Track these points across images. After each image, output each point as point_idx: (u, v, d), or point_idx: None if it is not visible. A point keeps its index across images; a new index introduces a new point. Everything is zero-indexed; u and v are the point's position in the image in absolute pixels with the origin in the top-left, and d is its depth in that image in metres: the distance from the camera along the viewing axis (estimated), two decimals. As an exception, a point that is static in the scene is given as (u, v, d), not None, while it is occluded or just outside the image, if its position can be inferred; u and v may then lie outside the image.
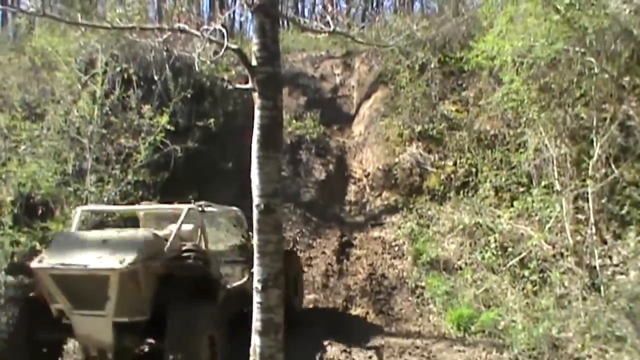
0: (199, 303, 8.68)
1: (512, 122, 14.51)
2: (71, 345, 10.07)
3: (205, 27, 7.21)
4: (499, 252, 12.33)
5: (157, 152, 15.61)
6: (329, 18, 8.16)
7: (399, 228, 15.39)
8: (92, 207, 12.18)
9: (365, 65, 21.19)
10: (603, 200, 11.50)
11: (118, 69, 15.93)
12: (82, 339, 8.80)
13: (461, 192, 14.77)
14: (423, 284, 13.16)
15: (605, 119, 11.50)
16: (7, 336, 8.77)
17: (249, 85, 6.95)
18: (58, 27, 16.78)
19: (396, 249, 14.88)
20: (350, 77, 21.89)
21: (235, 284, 10.26)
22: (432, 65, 17.73)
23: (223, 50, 7.04)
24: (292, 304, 11.45)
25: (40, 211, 14.84)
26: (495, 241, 12.55)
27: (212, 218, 10.77)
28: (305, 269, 14.18)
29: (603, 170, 11.40)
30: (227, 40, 6.89)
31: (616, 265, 11.05)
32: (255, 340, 6.83)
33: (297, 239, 15.86)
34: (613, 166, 11.40)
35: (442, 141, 16.37)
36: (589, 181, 11.21)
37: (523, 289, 11.44)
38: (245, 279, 10.43)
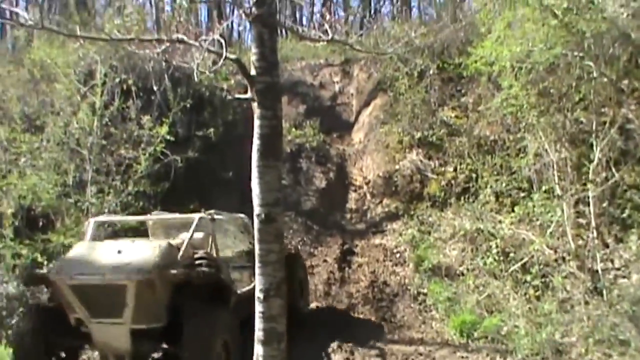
0: (212, 309, 9.09)
1: (511, 127, 14.49)
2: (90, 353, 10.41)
3: (204, 37, 7.22)
4: (501, 258, 12.31)
5: (157, 162, 15.63)
6: (327, 26, 8.15)
7: (400, 235, 15.37)
8: (104, 217, 12.26)
9: (364, 73, 21.19)
10: (604, 204, 11.50)
11: (117, 79, 15.97)
12: (101, 346, 9.13)
13: (462, 198, 14.75)
14: (425, 290, 13.15)
15: (604, 122, 11.50)
16: (25, 344, 9.30)
17: (248, 95, 6.96)
18: (57, 39, 16.82)
19: (398, 256, 14.86)
20: (349, 84, 21.88)
21: (245, 289, 10.43)
22: (431, 72, 17.73)
23: (222, 60, 7.05)
24: (297, 306, 11.85)
25: (41, 223, 14.81)
26: (497, 246, 12.53)
27: (220, 225, 10.91)
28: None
29: (603, 174, 11.39)
30: (226, 50, 6.89)
31: (618, 269, 11.04)
32: (258, 350, 6.82)
33: (299, 247, 15.82)
34: (613, 170, 11.40)
35: (442, 147, 16.35)
36: (589, 185, 11.20)
37: (525, 294, 11.42)
38: (253, 284, 10.51)
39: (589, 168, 11.29)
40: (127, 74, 16.67)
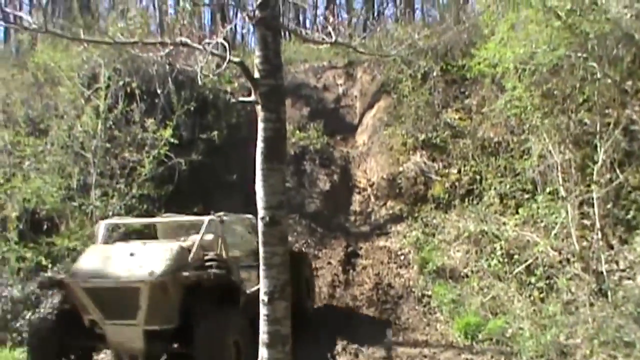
0: (223, 309, 9.36)
1: (515, 128, 14.50)
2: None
3: (208, 40, 7.23)
4: (505, 260, 12.30)
5: (161, 165, 15.66)
6: (330, 29, 8.17)
7: (405, 237, 15.34)
8: (115, 220, 12.34)
9: (368, 75, 21.16)
10: (608, 206, 11.49)
11: (121, 83, 16.00)
12: (115, 347, 9.39)
13: (466, 199, 14.74)
14: (429, 292, 13.12)
15: (608, 123, 11.50)
16: (40, 346, 9.49)
17: (252, 98, 6.98)
18: (60, 43, 16.84)
19: (402, 258, 14.84)
20: (353, 87, 21.84)
21: (253, 289, 10.46)
22: (435, 74, 17.69)
23: (225, 63, 7.06)
24: (304, 305, 12.05)
25: (45, 226, 14.85)
26: (501, 248, 12.51)
27: (228, 226, 11.04)
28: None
29: (608, 175, 11.38)
30: (230, 53, 6.90)
31: (623, 271, 11.04)
32: (263, 352, 6.84)
33: (303, 249, 15.80)
34: (618, 171, 11.38)
35: (446, 149, 16.33)
36: (594, 186, 11.19)
37: (530, 295, 11.41)
38: None
39: (593, 169, 11.29)
40: (131, 77, 16.72)
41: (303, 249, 15.79)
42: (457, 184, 15.40)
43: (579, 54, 11.38)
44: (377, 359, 10.81)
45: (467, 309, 11.82)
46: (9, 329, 12.15)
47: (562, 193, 11.73)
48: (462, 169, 15.55)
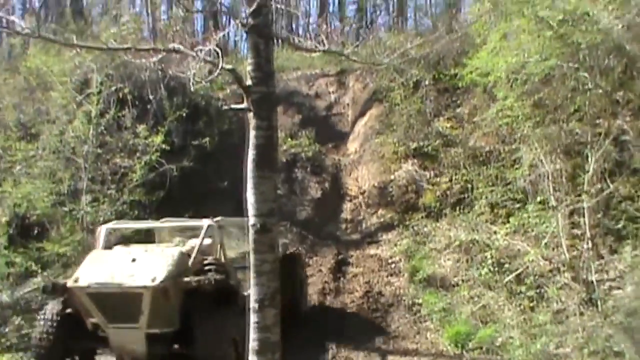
0: (222, 312, 9.59)
1: (506, 138, 14.53)
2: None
3: (200, 47, 7.22)
4: (496, 268, 12.32)
5: (152, 171, 15.63)
6: (322, 37, 8.16)
7: (395, 245, 15.33)
8: (115, 225, 12.37)
9: (360, 83, 21.18)
10: (599, 215, 11.52)
11: (113, 88, 15.98)
12: (117, 349, 9.77)
13: (457, 208, 14.76)
14: (420, 301, 13.10)
15: (599, 133, 11.53)
16: (43, 348, 9.70)
17: (244, 105, 6.96)
18: (53, 47, 16.80)
19: (392, 266, 14.82)
20: (345, 95, 21.84)
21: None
22: (426, 83, 17.75)
23: (218, 70, 7.03)
24: (298, 305, 12.29)
25: (35, 231, 14.82)
26: (492, 257, 12.54)
27: (224, 229, 11.27)
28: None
29: (598, 185, 11.41)
30: (222, 60, 6.88)
31: (613, 280, 11.05)
32: (253, 360, 6.80)
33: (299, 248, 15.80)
34: (608, 181, 11.42)
35: (437, 158, 16.35)
36: (584, 196, 11.21)
37: (520, 304, 11.43)
38: None
39: (583, 179, 11.31)
40: (123, 82, 16.70)
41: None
42: (448, 192, 15.42)
43: (570, 64, 11.42)
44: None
45: (457, 318, 11.83)
46: (-1, 334, 12.12)
47: (553, 202, 11.76)
48: (453, 178, 15.57)
